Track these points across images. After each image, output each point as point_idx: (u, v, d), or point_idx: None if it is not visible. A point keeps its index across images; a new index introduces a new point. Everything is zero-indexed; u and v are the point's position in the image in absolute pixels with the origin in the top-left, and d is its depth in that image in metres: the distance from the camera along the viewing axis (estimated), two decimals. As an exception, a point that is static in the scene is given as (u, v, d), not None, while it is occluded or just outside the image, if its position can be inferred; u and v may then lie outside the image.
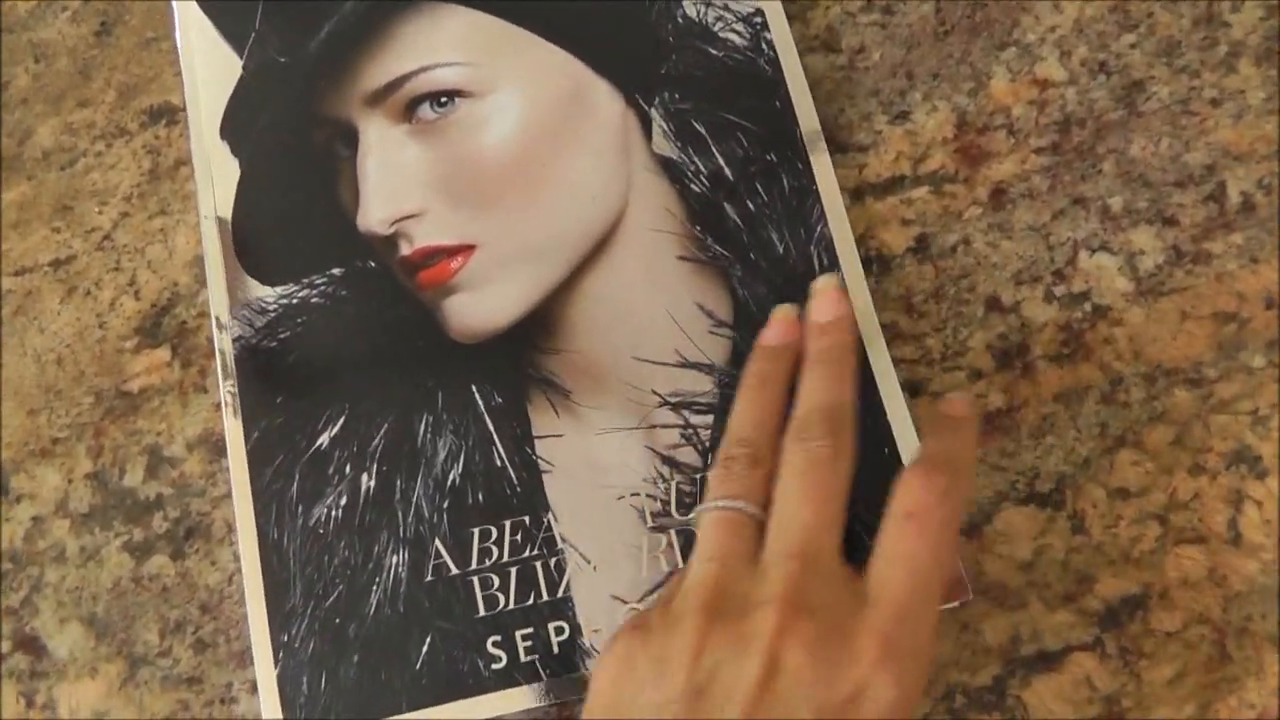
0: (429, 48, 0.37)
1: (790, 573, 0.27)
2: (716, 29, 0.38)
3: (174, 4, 0.39)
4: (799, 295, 0.34)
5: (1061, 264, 0.36)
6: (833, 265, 0.35)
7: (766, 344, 0.34)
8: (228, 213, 0.37)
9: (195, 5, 0.39)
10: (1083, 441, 0.34)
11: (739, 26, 0.38)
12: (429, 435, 0.35)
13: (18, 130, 0.39)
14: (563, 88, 0.37)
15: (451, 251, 0.36)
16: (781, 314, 0.34)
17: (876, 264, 0.36)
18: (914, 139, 0.37)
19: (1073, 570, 0.33)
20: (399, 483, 0.35)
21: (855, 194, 0.37)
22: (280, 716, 0.33)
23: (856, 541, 0.29)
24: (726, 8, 0.38)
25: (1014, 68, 0.38)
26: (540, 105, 0.37)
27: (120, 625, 0.34)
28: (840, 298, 0.34)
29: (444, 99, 0.37)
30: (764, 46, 0.38)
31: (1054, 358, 0.35)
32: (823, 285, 0.34)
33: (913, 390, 0.35)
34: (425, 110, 0.37)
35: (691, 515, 0.33)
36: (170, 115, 0.39)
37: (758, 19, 0.38)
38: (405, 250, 0.36)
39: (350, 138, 0.37)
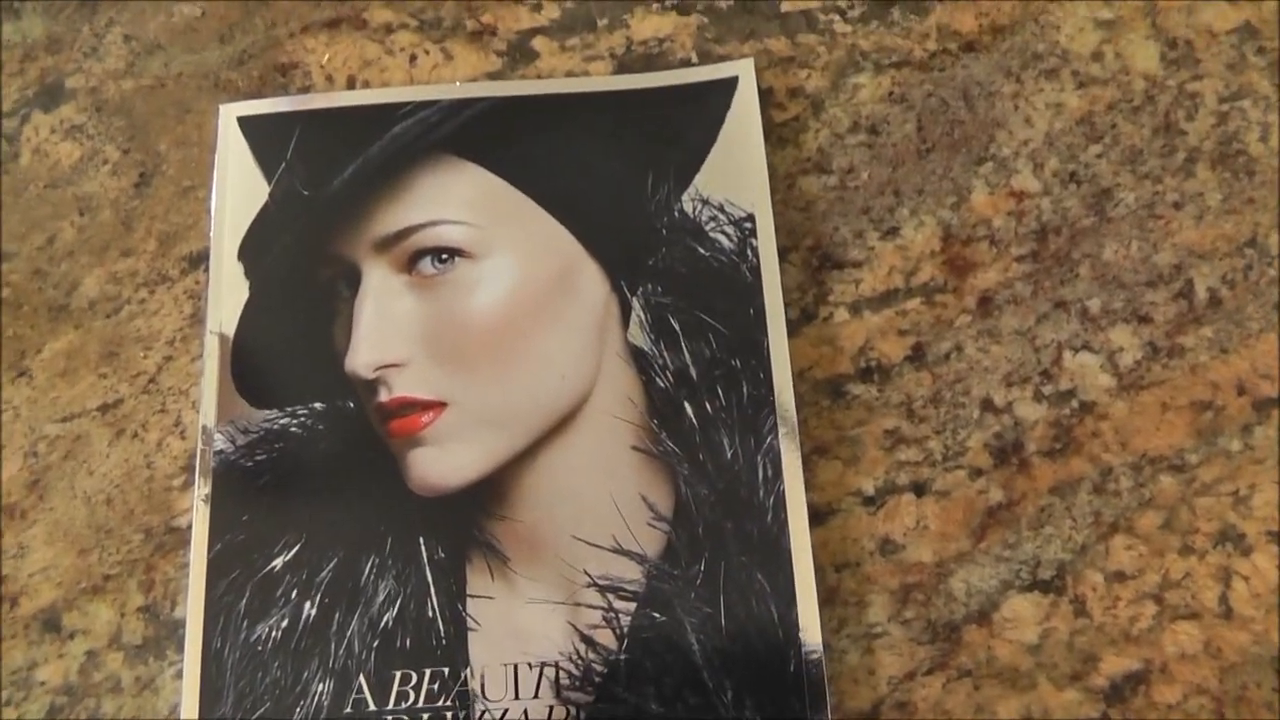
0: (440, 202, 0.42)
1: None
2: (708, 228, 0.42)
3: (219, 121, 0.45)
4: (739, 500, 0.38)
5: (1048, 364, 0.41)
6: (777, 476, 0.39)
7: None
8: (230, 330, 0.42)
9: (236, 126, 0.45)
10: (1079, 530, 0.39)
11: (729, 229, 0.42)
12: (372, 576, 0.39)
13: (65, 281, 0.44)
14: (556, 263, 0.41)
15: (424, 406, 0.40)
16: None
17: (877, 373, 0.41)
18: (904, 253, 0.43)
19: (1077, 651, 0.38)
20: (337, 615, 0.38)
21: (853, 308, 0.42)
22: None
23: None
24: (721, 209, 0.42)
25: (992, 181, 0.44)
26: (531, 277, 0.41)
27: (179, 750, 0.39)
28: None
29: (445, 256, 0.41)
30: (749, 252, 0.42)
31: (1047, 453, 0.40)
32: None
33: (917, 490, 0.40)
34: (426, 265, 0.41)
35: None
36: (208, 261, 0.44)
37: (748, 224, 0.42)
38: (383, 397, 0.40)
39: (353, 279, 0.41)
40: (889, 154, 0.44)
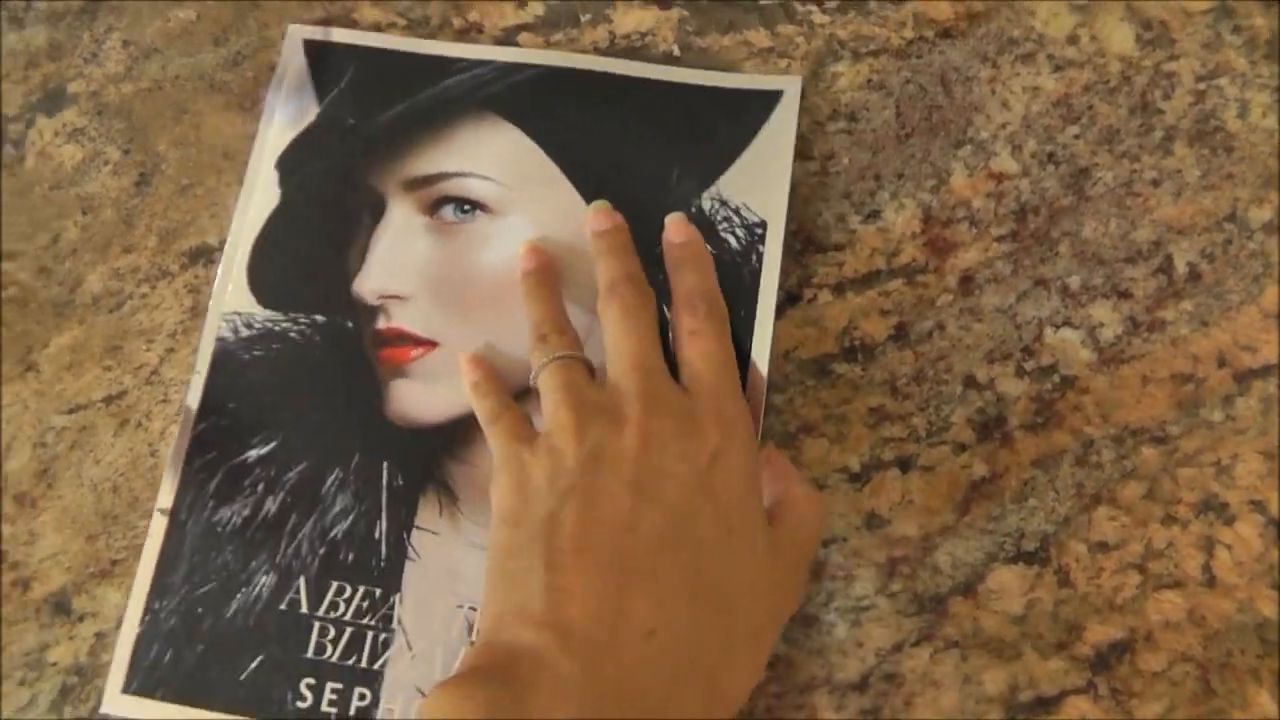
0: (475, 156, 0.44)
1: (637, 380, 0.37)
2: (720, 228, 0.42)
3: (284, 40, 0.47)
4: None
5: (1029, 341, 0.42)
6: None
7: (526, 267, 0.41)
8: (252, 236, 0.44)
9: (301, 46, 0.46)
10: (1062, 502, 0.40)
11: (740, 232, 0.42)
12: (333, 488, 0.41)
13: (69, 278, 0.45)
14: (568, 234, 0.42)
15: (416, 341, 0.42)
16: (528, 247, 0.42)
17: (861, 353, 0.42)
18: (886, 235, 0.43)
19: (1062, 620, 0.39)
20: (294, 517, 0.41)
21: (837, 289, 0.43)
22: (125, 672, 0.40)
23: None
24: (737, 212, 0.42)
25: (971, 163, 0.44)
26: (543, 242, 0.42)
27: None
28: (608, 214, 0.42)
29: (468, 207, 0.43)
30: (754, 258, 0.42)
31: (1029, 427, 0.41)
32: (596, 207, 0.42)
33: (903, 466, 0.40)
34: (449, 212, 0.43)
35: (532, 380, 0.39)
36: (207, 255, 0.45)
37: (759, 229, 0.42)
38: (381, 324, 0.42)
39: (378, 210, 0.43)
40: (869, 140, 0.45)
